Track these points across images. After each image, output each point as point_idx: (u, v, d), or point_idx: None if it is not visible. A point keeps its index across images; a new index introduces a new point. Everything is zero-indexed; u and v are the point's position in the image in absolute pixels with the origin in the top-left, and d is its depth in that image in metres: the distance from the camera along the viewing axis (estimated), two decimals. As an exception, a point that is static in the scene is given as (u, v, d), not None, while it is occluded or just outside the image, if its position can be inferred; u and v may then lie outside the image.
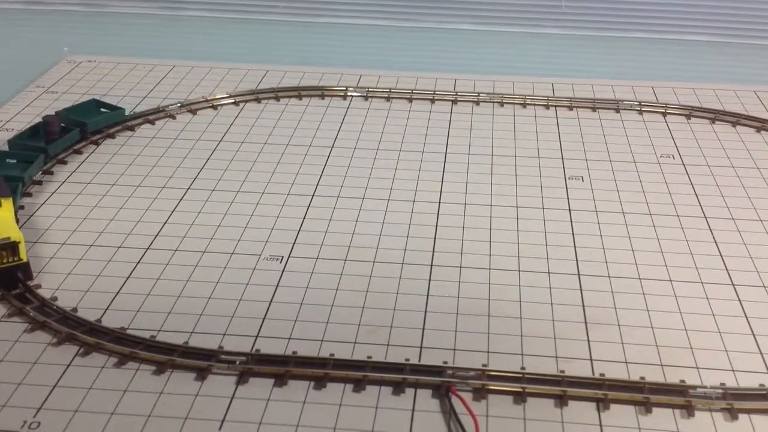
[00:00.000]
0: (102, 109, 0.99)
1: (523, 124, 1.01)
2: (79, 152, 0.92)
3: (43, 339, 0.65)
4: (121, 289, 0.71)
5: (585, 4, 1.36)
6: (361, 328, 0.67)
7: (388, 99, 1.08)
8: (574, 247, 0.78)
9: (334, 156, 0.93)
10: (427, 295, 0.71)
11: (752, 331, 0.68)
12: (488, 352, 0.65)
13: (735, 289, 0.72)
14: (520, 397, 0.60)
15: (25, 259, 0.70)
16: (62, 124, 0.93)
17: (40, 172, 0.88)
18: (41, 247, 0.76)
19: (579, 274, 0.74)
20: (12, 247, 0.69)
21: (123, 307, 0.69)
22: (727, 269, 0.75)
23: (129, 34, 1.34)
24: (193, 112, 1.03)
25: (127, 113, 1.00)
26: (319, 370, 0.62)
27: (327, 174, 0.89)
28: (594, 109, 1.06)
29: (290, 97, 1.08)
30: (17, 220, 0.76)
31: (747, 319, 0.69)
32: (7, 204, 0.72)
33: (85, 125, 0.94)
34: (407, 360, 0.63)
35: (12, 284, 0.70)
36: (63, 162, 0.90)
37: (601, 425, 0.58)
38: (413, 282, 0.72)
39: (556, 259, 0.76)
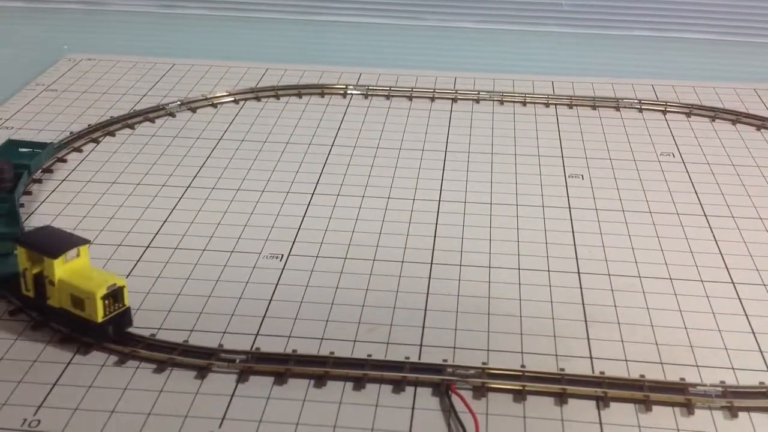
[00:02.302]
0: (21, 149, 0.88)
1: (523, 123, 1.01)
2: (79, 150, 0.92)
3: (43, 337, 0.65)
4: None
5: (585, 2, 1.36)
6: (361, 326, 0.67)
7: (388, 97, 1.08)
8: (574, 245, 0.78)
9: (334, 154, 0.93)
10: (427, 293, 0.71)
11: (752, 329, 0.67)
12: (488, 350, 0.65)
13: (735, 287, 0.72)
14: (520, 395, 0.60)
15: (127, 304, 0.65)
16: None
17: (41, 170, 0.88)
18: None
19: (579, 272, 0.74)
20: (118, 293, 0.63)
21: (123, 305, 0.69)
22: (727, 267, 0.75)
23: (129, 32, 1.34)
24: (193, 110, 1.03)
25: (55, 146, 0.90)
26: (319, 369, 0.62)
27: (327, 172, 0.89)
28: (594, 107, 1.06)
29: (290, 95, 1.08)
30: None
31: (747, 317, 0.69)
32: (85, 251, 0.65)
33: (29, 167, 0.84)
34: (407, 358, 0.63)
35: (118, 336, 0.64)
36: (63, 160, 0.90)
37: (601, 423, 0.58)
38: (413, 280, 0.72)
39: (555, 257, 0.76)
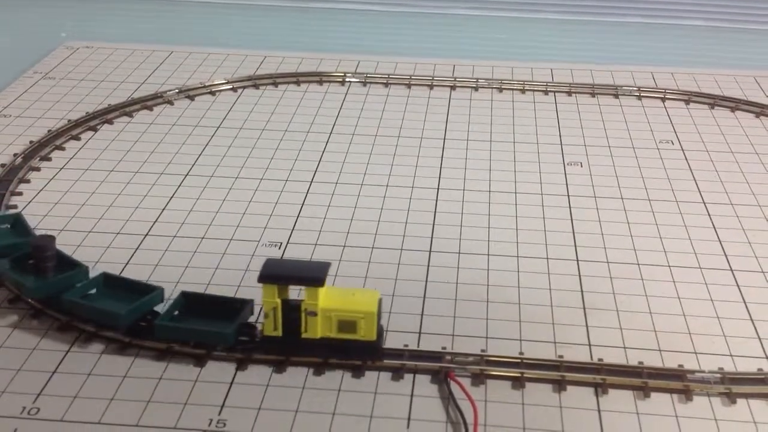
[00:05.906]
0: None
1: (522, 110, 1.01)
2: (77, 138, 0.92)
3: (43, 325, 0.65)
4: (120, 275, 0.71)
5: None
6: (360, 313, 0.67)
7: (386, 85, 1.07)
8: (573, 232, 0.78)
9: (332, 142, 0.93)
10: (426, 281, 0.71)
11: (750, 317, 0.68)
12: (487, 337, 0.65)
13: (733, 274, 0.73)
14: (518, 383, 0.60)
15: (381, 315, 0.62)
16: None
17: (38, 158, 0.88)
18: (39, 234, 0.75)
19: (577, 260, 0.74)
20: (380, 306, 0.61)
21: (122, 293, 0.69)
22: (725, 254, 0.75)
23: (127, 19, 1.34)
24: (191, 98, 1.03)
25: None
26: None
27: (325, 160, 0.89)
28: (593, 94, 1.05)
29: (288, 83, 1.07)
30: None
31: (745, 305, 0.69)
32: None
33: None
34: (406, 346, 0.63)
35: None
36: (61, 148, 0.90)
37: (599, 410, 0.59)
38: (412, 268, 0.72)
39: (554, 244, 0.76)
